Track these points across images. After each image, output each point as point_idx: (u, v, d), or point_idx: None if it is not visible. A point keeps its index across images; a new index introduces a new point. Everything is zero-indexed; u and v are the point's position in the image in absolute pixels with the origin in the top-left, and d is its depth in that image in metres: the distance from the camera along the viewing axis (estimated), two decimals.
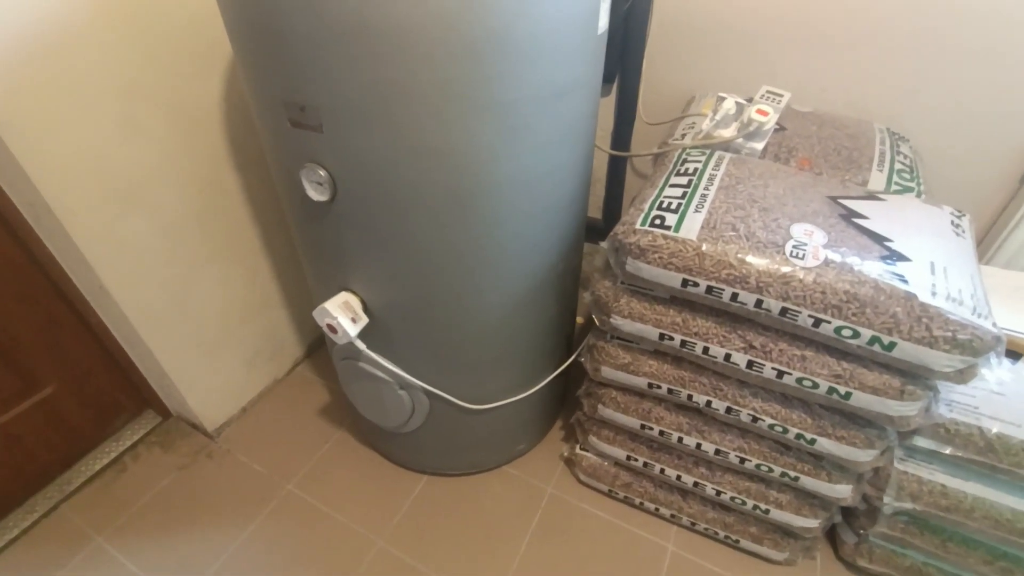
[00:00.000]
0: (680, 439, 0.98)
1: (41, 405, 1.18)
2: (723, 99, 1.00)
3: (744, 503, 1.01)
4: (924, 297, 0.67)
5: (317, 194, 0.79)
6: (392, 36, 0.63)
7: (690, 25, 1.21)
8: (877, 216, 0.80)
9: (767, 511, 0.99)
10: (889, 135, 1.06)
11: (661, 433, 0.99)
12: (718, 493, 1.02)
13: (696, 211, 0.80)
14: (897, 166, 0.98)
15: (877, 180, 0.95)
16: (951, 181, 1.13)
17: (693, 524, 1.12)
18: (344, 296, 0.92)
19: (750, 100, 1.02)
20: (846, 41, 1.09)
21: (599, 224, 1.59)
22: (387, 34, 0.63)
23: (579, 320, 1.47)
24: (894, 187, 0.94)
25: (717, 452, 0.96)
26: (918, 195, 0.93)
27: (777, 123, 1.01)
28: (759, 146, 0.98)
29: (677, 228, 0.79)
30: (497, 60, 0.67)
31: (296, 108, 0.72)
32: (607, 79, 1.29)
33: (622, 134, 1.41)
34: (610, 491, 1.19)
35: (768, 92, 0.99)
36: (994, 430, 0.78)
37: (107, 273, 1.04)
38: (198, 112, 1.09)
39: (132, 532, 1.16)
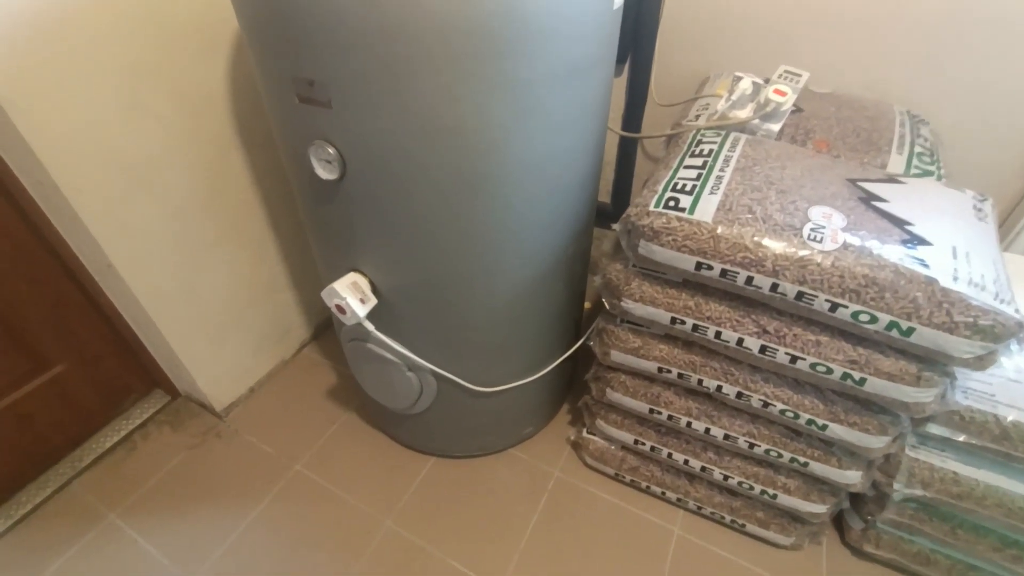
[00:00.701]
0: (689, 424, 0.98)
1: (51, 384, 1.19)
2: (739, 79, 0.97)
3: (752, 488, 1.01)
4: (945, 282, 0.66)
5: (326, 172, 0.78)
6: (403, 9, 0.61)
7: (705, 3, 1.18)
8: (897, 199, 0.78)
9: (775, 496, 0.99)
10: (909, 117, 1.03)
11: (670, 418, 0.99)
12: (726, 478, 1.02)
13: (711, 193, 0.79)
14: (917, 149, 0.95)
15: (896, 163, 0.92)
16: (971, 164, 1.11)
17: (699, 508, 1.12)
18: (353, 277, 0.91)
19: (767, 80, 0.99)
20: (865, 20, 1.06)
21: (607, 208, 1.57)
22: (398, 7, 0.61)
23: (586, 305, 1.46)
24: (914, 170, 0.91)
25: (726, 437, 0.95)
26: (938, 179, 0.91)
27: (794, 104, 0.98)
28: (776, 127, 0.96)
29: (692, 210, 0.77)
30: (510, 36, 0.65)
31: (305, 83, 0.71)
32: (619, 59, 1.27)
33: (633, 115, 1.38)
34: (617, 475, 1.19)
35: (786, 72, 0.96)
36: (1010, 418, 0.77)
37: (115, 252, 1.03)
38: (204, 92, 1.07)
39: (144, 510, 1.18)
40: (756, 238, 0.72)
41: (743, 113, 0.96)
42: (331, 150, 0.75)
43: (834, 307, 0.71)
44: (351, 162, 0.76)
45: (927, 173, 0.91)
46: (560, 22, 0.68)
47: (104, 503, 1.19)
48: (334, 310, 0.91)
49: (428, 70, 0.66)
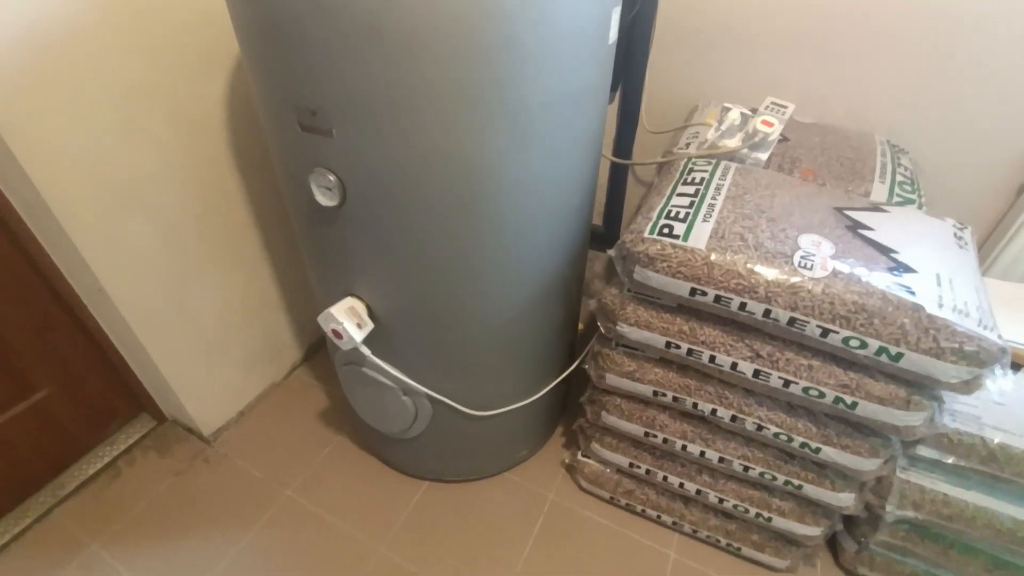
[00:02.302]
0: (684, 447, 0.98)
1: (34, 409, 1.16)
2: (728, 109, 1.00)
3: (747, 511, 1.01)
4: (931, 309, 0.68)
5: (326, 199, 0.79)
6: (407, 40, 0.63)
7: (693, 34, 1.22)
8: (882, 227, 0.80)
9: (769, 519, 1.00)
10: (890, 147, 1.07)
11: (665, 441, 1.00)
12: (721, 501, 1.03)
13: (704, 220, 0.81)
14: (898, 178, 0.99)
15: (879, 191, 0.96)
16: (949, 192, 1.15)
17: (695, 531, 1.12)
18: (349, 301, 0.91)
19: (754, 111, 1.03)
20: (847, 52, 1.11)
21: (599, 230, 1.59)
22: (402, 38, 0.63)
23: (579, 326, 1.47)
24: (896, 198, 0.95)
25: (721, 460, 0.96)
26: (919, 207, 0.94)
27: (781, 134, 1.02)
28: (763, 156, 0.99)
29: (686, 237, 0.79)
30: (510, 66, 0.67)
31: (307, 112, 0.72)
32: (611, 87, 1.30)
33: (624, 141, 1.42)
34: (612, 498, 1.19)
35: (773, 103, 1.00)
36: (996, 440, 0.79)
37: (106, 275, 1.02)
38: (200, 113, 1.08)
39: (128, 539, 1.14)
40: (749, 265, 0.74)
41: (732, 142, 0.99)
42: (332, 177, 0.76)
43: (825, 333, 0.73)
44: (351, 189, 0.77)
45: (908, 201, 0.94)
46: (559, 54, 0.70)
47: (86, 532, 1.15)
48: (330, 335, 0.91)
49: (429, 98, 0.67)
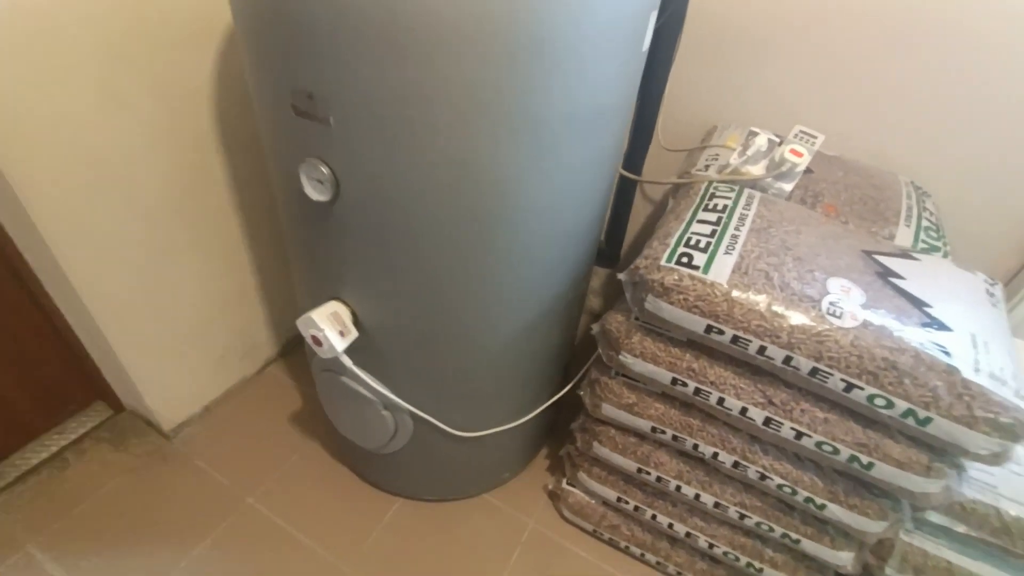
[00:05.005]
0: (678, 487, 0.92)
1: None
2: (755, 134, 0.95)
3: (737, 559, 0.96)
4: (967, 373, 0.63)
5: (316, 193, 0.71)
6: (424, 32, 0.56)
7: (717, 53, 1.17)
8: (913, 277, 0.75)
9: (760, 570, 0.94)
10: (914, 189, 1.03)
11: (658, 479, 0.94)
12: (711, 546, 0.97)
13: (727, 253, 0.75)
14: (924, 223, 0.94)
15: (904, 235, 0.91)
16: (966, 237, 1.11)
17: (679, 574, 1.07)
18: (333, 306, 0.84)
19: (781, 138, 0.97)
20: (870, 91, 1.06)
21: (601, 247, 1.53)
22: (418, 29, 0.55)
23: None
24: (921, 244, 0.90)
25: (716, 505, 0.91)
26: (944, 255, 0.90)
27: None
28: (788, 187, 0.93)
29: (706, 269, 0.73)
30: (537, 71, 0.60)
31: (303, 95, 0.64)
32: None
33: (636, 156, 1.35)
34: (595, 531, 1.13)
35: (802, 132, 0.95)
36: (1012, 512, 0.74)
37: (65, 254, 0.93)
38: (188, 87, 0.99)
39: (69, 539, 1.05)
40: (773, 307, 0.69)
41: (756, 169, 0.93)
42: (324, 170, 0.68)
43: (849, 388, 0.67)
44: (346, 185, 0.70)
45: (934, 248, 0.90)
46: (592, 61, 0.63)
47: (24, 529, 1.05)
48: (309, 341, 0.83)
49: (443, 98, 0.60)
